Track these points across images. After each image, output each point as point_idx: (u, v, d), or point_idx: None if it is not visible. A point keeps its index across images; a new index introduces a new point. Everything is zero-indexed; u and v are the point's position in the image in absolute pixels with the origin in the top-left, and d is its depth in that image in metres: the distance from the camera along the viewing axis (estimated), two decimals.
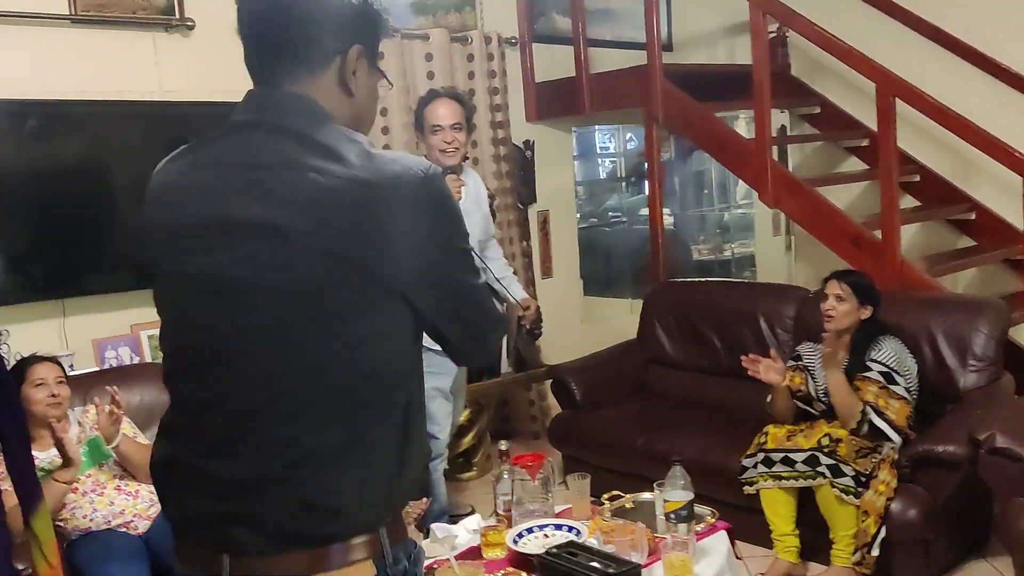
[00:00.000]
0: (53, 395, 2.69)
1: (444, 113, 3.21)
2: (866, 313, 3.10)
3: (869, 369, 3.01)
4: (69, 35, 3.52)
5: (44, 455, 2.68)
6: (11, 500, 1.65)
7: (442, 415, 3.33)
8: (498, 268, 3.40)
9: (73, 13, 3.50)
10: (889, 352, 3.03)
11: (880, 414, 2.92)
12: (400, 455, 1.25)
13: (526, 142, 4.85)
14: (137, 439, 2.90)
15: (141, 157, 3.56)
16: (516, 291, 3.38)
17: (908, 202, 4.58)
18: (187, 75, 3.77)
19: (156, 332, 3.50)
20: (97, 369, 3.36)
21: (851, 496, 2.86)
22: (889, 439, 2.92)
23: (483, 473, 4.25)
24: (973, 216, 4.35)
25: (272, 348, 1.20)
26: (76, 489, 2.69)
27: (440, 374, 3.17)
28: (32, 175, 3.35)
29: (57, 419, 2.64)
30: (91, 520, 2.69)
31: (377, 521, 1.25)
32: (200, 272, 1.24)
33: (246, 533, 1.21)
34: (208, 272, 1.23)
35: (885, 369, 3.00)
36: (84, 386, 2.95)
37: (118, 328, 3.58)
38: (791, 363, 3.28)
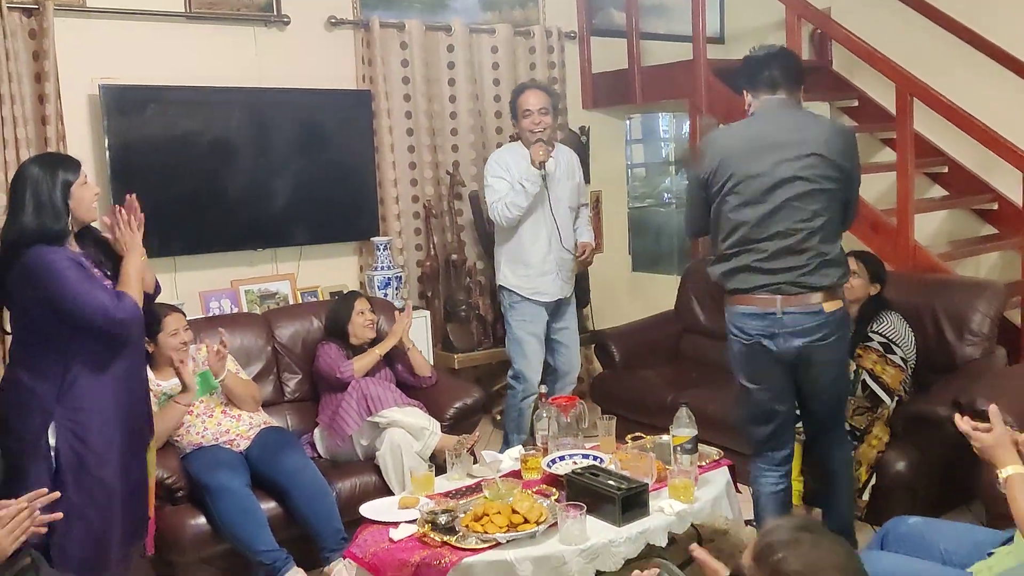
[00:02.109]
0: (183, 341, 3.27)
1: (533, 101, 3.92)
2: (875, 289, 3.50)
3: (871, 339, 3.40)
4: (184, 30, 4.09)
5: (167, 383, 3.27)
6: None
7: (537, 359, 4.02)
8: (584, 227, 4.19)
9: (187, 11, 4.07)
10: (889, 325, 3.42)
11: (876, 379, 3.32)
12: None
13: (581, 128, 5.28)
14: (239, 375, 3.48)
15: (241, 135, 4.16)
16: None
17: (937, 191, 4.92)
18: (282, 65, 4.31)
19: (252, 287, 4.10)
20: (204, 316, 3.95)
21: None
22: (882, 400, 3.33)
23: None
24: (996, 206, 4.67)
25: (805, 206, 2.69)
26: (191, 412, 3.27)
27: (533, 321, 3.97)
28: (151, 151, 3.93)
29: (182, 360, 3.22)
30: (202, 437, 3.26)
31: None
32: (763, 172, 2.71)
33: (790, 287, 2.67)
34: (768, 172, 2.70)
35: (884, 340, 3.40)
36: (196, 329, 3.51)
37: (220, 283, 4.17)
38: None
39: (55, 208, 2.44)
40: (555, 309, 4.07)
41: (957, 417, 2.14)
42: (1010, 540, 2.09)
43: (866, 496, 3.27)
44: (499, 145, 4.93)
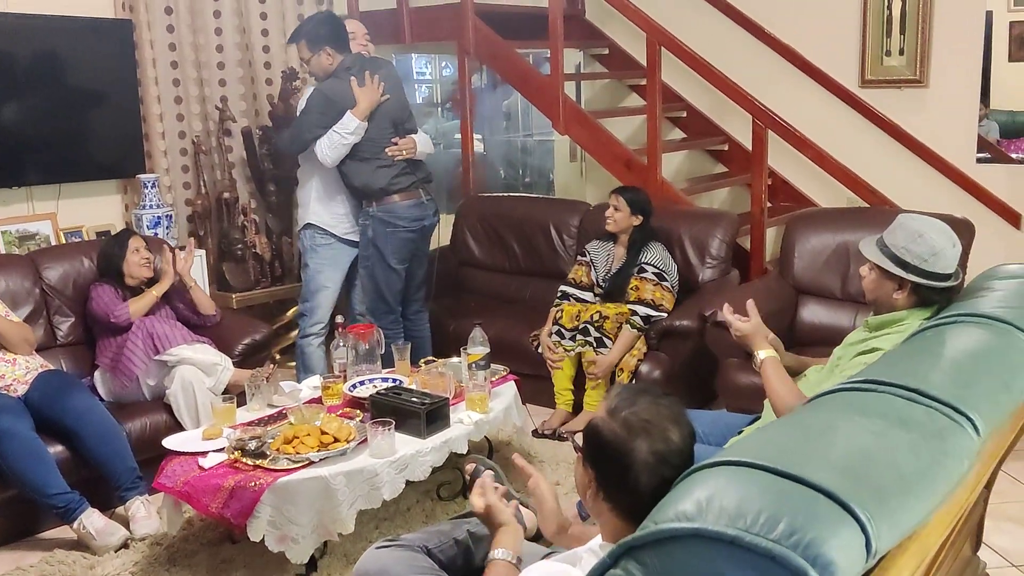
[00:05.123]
0: None
1: (354, 27, 4.08)
2: (637, 221, 3.90)
3: (644, 271, 3.81)
4: None
5: None
6: None
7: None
8: None
9: None
10: (657, 255, 3.85)
11: (656, 307, 3.73)
12: None
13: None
14: (10, 317, 3.29)
15: None
16: None
17: (677, 134, 5.47)
18: None
19: (8, 228, 3.83)
20: None
21: None
22: (660, 319, 3.76)
23: None
24: (727, 148, 5.28)
25: None
26: None
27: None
28: None
29: None
30: None
31: None
32: None
33: None
34: None
35: (657, 270, 3.82)
36: None
37: None
38: (578, 258, 4.07)
39: None
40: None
41: (726, 307, 2.51)
42: (756, 419, 2.51)
43: None
44: (269, 82, 4.89)
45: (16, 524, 3.04)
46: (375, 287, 3.92)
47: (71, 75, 4.12)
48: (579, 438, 1.56)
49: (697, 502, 1.11)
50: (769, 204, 4.53)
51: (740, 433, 2.48)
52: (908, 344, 1.83)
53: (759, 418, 2.49)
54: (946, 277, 2.24)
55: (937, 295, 2.25)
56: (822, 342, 3.38)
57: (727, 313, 2.48)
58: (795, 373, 2.58)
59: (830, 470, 1.16)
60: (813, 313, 3.83)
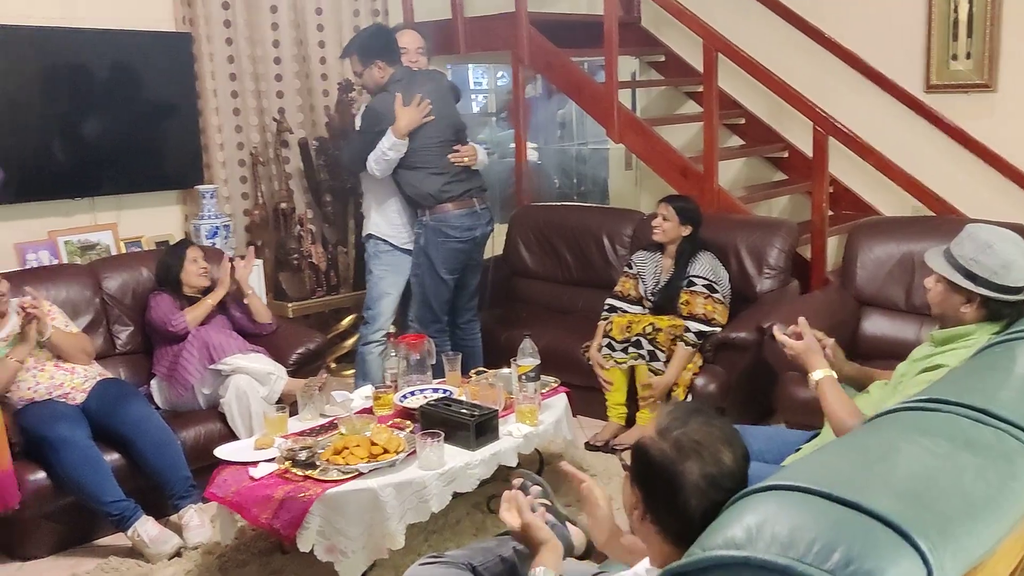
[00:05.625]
0: (1, 292, 3.11)
1: (408, 40, 4.01)
2: (686, 231, 3.82)
3: (694, 283, 3.72)
4: None
5: None
6: None
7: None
8: None
9: None
10: (706, 266, 3.75)
11: (708, 321, 3.65)
12: None
13: None
14: (69, 328, 3.35)
15: (54, 79, 3.94)
16: None
17: (735, 141, 5.37)
18: (98, 5, 4.11)
19: (71, 238, 3.91)
20: (22, 268, 3.74)
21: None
22: (714, 332, 3.67)
23: None
24: (786, 155, 5.17)
25: None
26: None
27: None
28: None
29: (3, 313, 3.07)
30: (34, 392, 3.13)
31: None
32: None
33: None
34: None
35: (707, 282, 3.73)
36: (18, 281, 3.33)
37: (36, 234, 3.95)
38: (625, 270, 4.00)
39: None
40: None
41: (776, 328, 2.43)
42: (815, 436, 2.42)
43: None
44: (326, 93, 4.94)
45: (73, 531, 3.08)
46: (423, 295, 3.92)
47: (133, 88, 4.21)
48: (627, 455, 1.51)
49: (747, 528, 1.06)
50: (831, 212, 4.42)
51: (798, 451, 2.41)
52: (976, 360, 1.75)
53: (818, 434, 2.41)
54: (1017, 290, 2.14)
55: (1007, 309, 2.15)
56: (885, 356, 3.27)
57: (780, 335, 2.39)
58: (858, 384, 2.49)
59: (890, 496, 1.10)
60: (876, 326, 3.71)
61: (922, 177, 4.39)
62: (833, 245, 4.42)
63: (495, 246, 4.59)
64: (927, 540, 1.02)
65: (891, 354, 3.03)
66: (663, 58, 5.59)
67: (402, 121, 3.75)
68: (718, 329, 3.66)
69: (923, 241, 3.42)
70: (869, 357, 3.45)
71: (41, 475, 2.95)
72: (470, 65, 7.49)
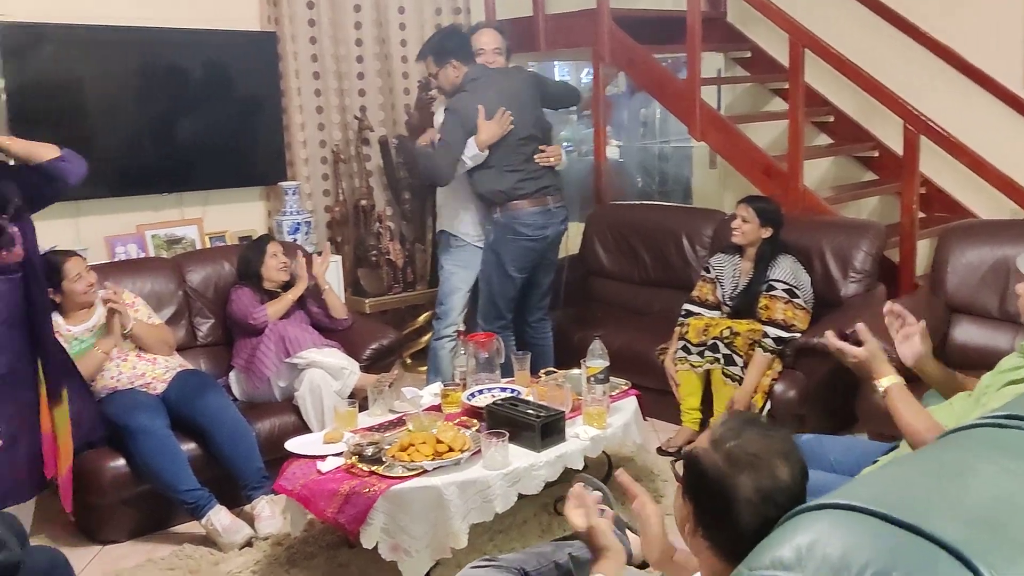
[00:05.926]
0: (89, 283, 3.22)
1: (487, 40, 3.97)
2: (767, 233, 3.70)
3: (774, 288, 3.61)
4: None
5: (78, 328, 3.23)
6: None
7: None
8: None
9: None
10: (786, 270, 3.63)
11: (787, 327, 3.53)
12: None
13: None
14: (152, 319, 3.45)
15: (144, 77, 4.07)
16: None
17: (823, 140, 5.20)
18: (188, 5, 4.22)
19: (158, 232, 4.04)
20: (110, 261, 3.88)
21: (736, 382, 3.51)
22: (793, 338, 3.55)
23: None
24: (877, 154, 4.98)
25: None
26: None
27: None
28: (51, 92, 3.81)
29: (90, 304, 3.19)
30: (117, 381, 3.24)
31: None
32: None
33: None
34: None
35: (787, 286, 3.61)
36: (105, 274, 3.45)
37: (125, 228, 4.09)
38: (702, 274, 3.90)
39: None
40: None
41: (828, 335, 2.28)
42: (894, 448, 2.31)
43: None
44: (406, 91, 4.97)
45: (150, 517, 3.17)
46: (489, 292, 3.90)
47: (220, 87, 4.31)
48: (680, 465, 1.45)
49: (797, 548, 1.00)
50: (922, 214, 4.24)
51: (875, 463, 2.30)
52: None
53: (897, 446, 2.30)
54: None
55: None
56: (976, 366, 3.07)
57: (832, 339, 2.24)
58: (944, 388, 2.36)
59: (958, 520, 1.02)
60: (967, 333, 3.54)
61: (1019, 178, 4.17)
62: (923, 249, 4.23)
63: (571, 245, 4.55)
64: (993, 570, 0.94)
65: (982, 364, 2.85)
66: (749, 54, 5.45)
67: (483, 134, 3.73)
68: (797, 335, 3.54)
69: (1019, 245, 3.25)
70: (959, 367, 3.26)
71: (120, 462, 3.04)
72: (555, 63, 7.44)
